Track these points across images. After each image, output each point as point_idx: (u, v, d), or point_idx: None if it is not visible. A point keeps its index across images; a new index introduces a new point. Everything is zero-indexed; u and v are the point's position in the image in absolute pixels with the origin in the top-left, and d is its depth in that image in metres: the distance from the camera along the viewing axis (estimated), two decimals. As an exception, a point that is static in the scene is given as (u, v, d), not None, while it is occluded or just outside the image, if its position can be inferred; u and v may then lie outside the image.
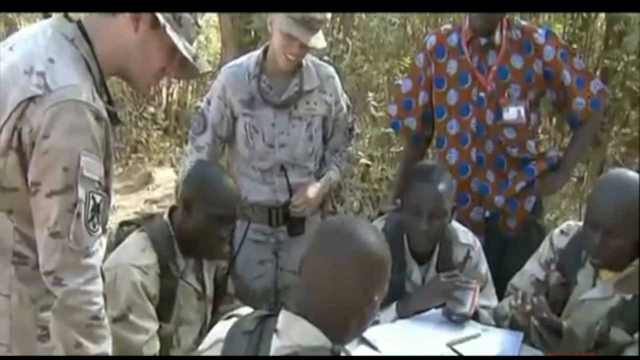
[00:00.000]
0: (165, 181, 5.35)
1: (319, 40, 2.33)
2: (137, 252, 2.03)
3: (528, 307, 1.93)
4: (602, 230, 1.90)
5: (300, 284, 1.36)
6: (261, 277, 2.54)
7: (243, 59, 2.51)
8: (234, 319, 1.39)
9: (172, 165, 5.69)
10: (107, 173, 1.53)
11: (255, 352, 1.28)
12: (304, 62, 2.45)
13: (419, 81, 2.67)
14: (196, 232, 2.11)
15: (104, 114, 1.47)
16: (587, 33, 5.14)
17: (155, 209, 4.78)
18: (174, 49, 1.53)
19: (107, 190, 1.55)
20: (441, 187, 2.19)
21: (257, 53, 2.47)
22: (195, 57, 1.58)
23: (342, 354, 1.27)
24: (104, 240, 1.59)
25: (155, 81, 1.65)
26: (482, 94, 2.54)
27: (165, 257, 2.06)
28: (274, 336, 1.29)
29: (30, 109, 1.40)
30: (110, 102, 1.56)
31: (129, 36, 1.51)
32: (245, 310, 1.43)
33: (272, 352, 1.27)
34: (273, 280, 2.55)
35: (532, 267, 2.21)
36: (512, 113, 2.52)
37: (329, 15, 2.35)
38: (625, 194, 1.89)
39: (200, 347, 1.43)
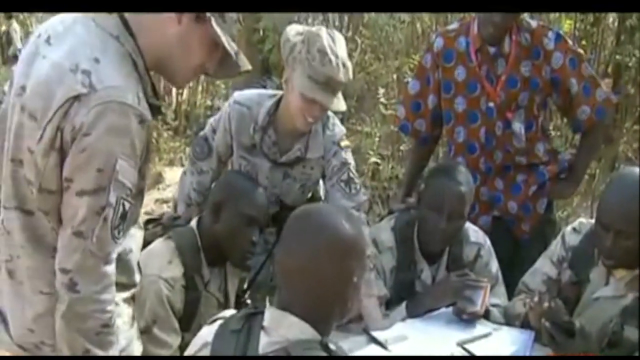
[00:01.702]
0: (176, 181, 5.36)
1: (340, 102, 2.21)
2: (164, 263, 2.02)
3: (545, 305, 1.91)
4: (613, 231, 1.87)
5: (278, 280, 1.34)
6: (255, 269, 2.53)
7: (254, 97, 2.38)
8: (219, 322, 1.37)
9: (183, 165, 5.71)
10: (144, 176, 1.51)
11: (243, 351, 1.27)
12: (312, 127, 2.35)
13: (427, 83, 2.64)
14: (226, 236, 2.08)
15: (148, 116, 1.43)
16: (599, 29, 5.11)
17: (165, 208, 4.80)
18: (215, 44, 1.50)
19: (141, 191, 1.53)
20: (464, 188, 2.17)
21: (269, 103, 2.35)
22: (236, 54, 1.54)
23: (331, 346, 1.26)
24: (139, 233, 1.59)
25: (193, 77, 1.61)
26: (491, 104, 2.50)
27: (191, 269, 2.05)
28: (262, 333, 1.28)
29: (75, 108, 1.36)
30: (155, 94, 1.51)
31: (172, 29, 1.47)
32: (229, 312, 1.42)
33: (260, 349, 1.26)
34: (268, 276, 2.53)
35: (544, 265, 2.19)
36: (516, 127, 2.50)
37: (351, 75, 2.23)
38: (636, 193, 1.85)
39: (187, 352, 1.41)
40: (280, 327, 1.28)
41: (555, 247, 2.18)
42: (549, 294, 2.03)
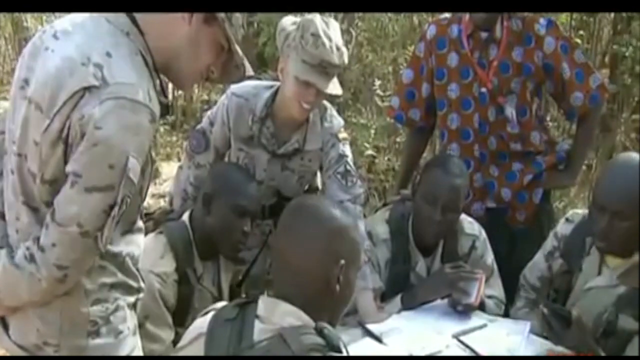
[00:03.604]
0: (172, 176, 5.32)
1: (335, 87, 2.19)
2: (155, 258, 2.01)
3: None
4: (609, 213, 1.86)
5: (273, 269, 1.35)
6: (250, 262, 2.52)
7: (251, 90, 2.35)
8: (212, 313, 1.38)
9: (179, 160, 5.68)
10: (144, 174, 1.49)
11: (238, 339, 1.28)
12: (311, 117, 2.33)
13: (420, 71, 2.63)
14: (217, 228, 2.08)
15: (157, 114, 1.42)
16: (595, 19, 5.09)
17: (162, 203, 4.77)
18: (222, 47, 1.50)
19: (141, 190, 1.52)
20: (459, 181, 2.17)
21: (266, 94, 2.32)
22: (242, 58, 1.54)
23: (326, 331, 1.26)
24: (142, 238, 1.59)
25: (198, 79, 1.60)
26: (483, 90, 2.50)
27: (183, 264, 2.05)
28: (256, 321, 1.30)
29: (85, 98, 1.34)
30: (163, 92, 1.50)
31: (182, 29, 1.46)
32: (221, 304, 1.42)
33: (255, 336, 1.27)
34: (263, 269, 2.53)
35: (539, 260, 2.21)
36: (508, 112, 2.49)
37: (346, 59, 2.21)
38: (633, 176, 1.85)
39: (180, 344, 1.40)
40: (274, 315, 1.29)
41: (549, 239, 2.19)
42: (542, 291, 2.04)
